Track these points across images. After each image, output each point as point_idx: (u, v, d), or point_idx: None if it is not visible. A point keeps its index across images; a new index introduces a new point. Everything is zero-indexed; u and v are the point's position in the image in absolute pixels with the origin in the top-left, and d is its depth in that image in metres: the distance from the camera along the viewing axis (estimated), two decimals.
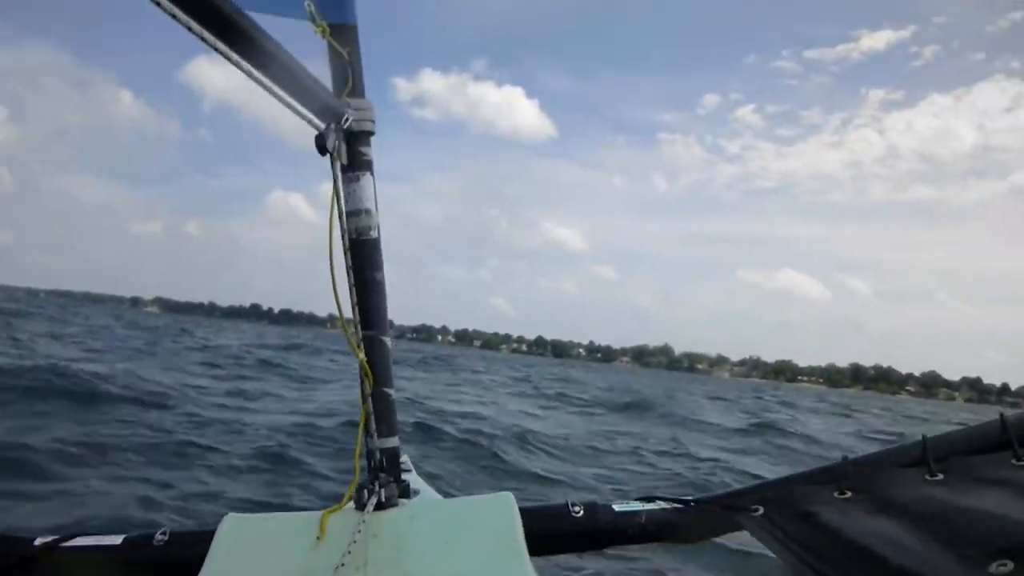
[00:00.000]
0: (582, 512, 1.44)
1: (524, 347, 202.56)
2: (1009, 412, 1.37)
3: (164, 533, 1.44)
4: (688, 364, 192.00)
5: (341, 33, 1.45)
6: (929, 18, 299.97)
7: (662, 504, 1.48)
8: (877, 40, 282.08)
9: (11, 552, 1.44)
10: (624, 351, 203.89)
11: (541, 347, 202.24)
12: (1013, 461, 1.29)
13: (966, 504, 1.17)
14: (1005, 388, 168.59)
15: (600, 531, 1.45)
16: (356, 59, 1.48)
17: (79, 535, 1.48)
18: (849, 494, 1.33)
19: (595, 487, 7.69)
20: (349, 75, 1.45)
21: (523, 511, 1.37)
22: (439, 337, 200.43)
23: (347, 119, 1.36)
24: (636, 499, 1.50)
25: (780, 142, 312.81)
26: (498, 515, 1.36)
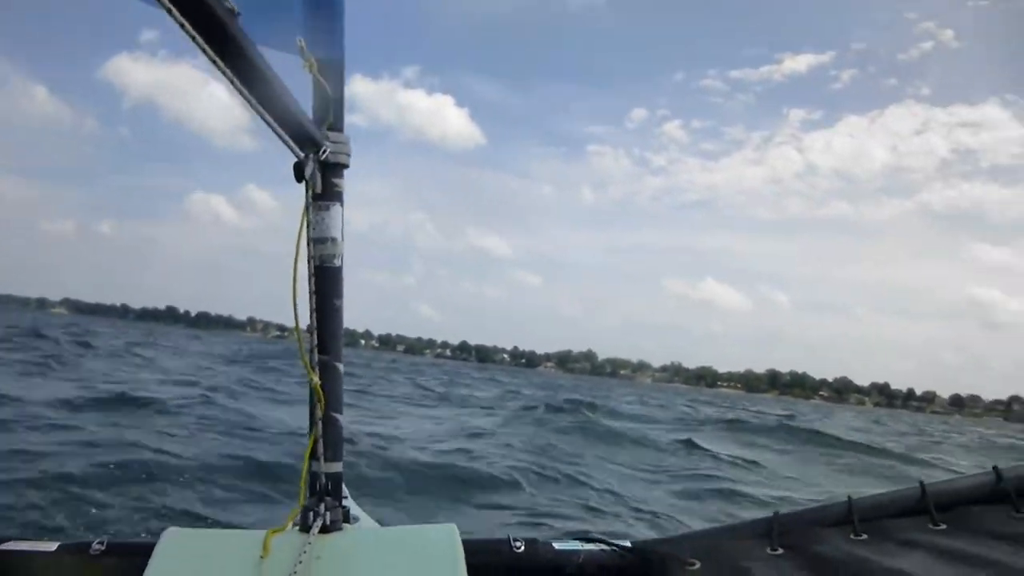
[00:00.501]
0: (523, 547, 1.48)
1: (448, 352, 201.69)
2: (928, 480, 1.48)
3: (101, 542, 1.44)
4: (611, 369, 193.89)
5: (328, 68, 1.49)
6: (848, 44, 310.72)
7: (601, 546, 1.51)
8: (799, 63, 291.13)
9: None
10: (548, 356, 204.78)
11: (465, 352, 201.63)
12: (930, 526, 1.40)
13: (889, 565, 1.30)
14: (911, 393, 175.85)
15: (539, 568, 1.48)
16: (340, 94, 1.52)
17: (11, 539, 1.46)
18: (780, 550, 1.42)
19: None
20: (331, 109, 1.50)
21: (465, 543, 1.37)
22: (362, 342, 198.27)
23: (325, 150, 1.42)
24: (575, 538, 1.53)
25: (705, 156, 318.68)
26: (441, 546, 1.37)
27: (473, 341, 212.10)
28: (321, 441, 1.43)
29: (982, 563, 1.25)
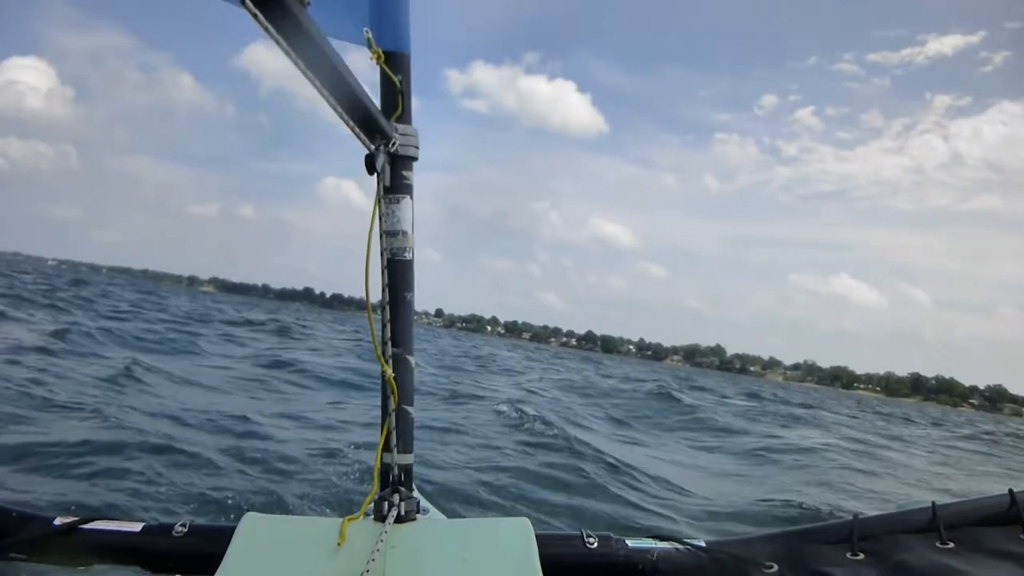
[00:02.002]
0: (596, 543, 1.45)
1: (573, 341, 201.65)
2: (1018, 488, 1.42)
3: (184, 525, 1.44)
4: (740, 365, 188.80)
5: (394, 61, 1.50)
6: (1001, 23, 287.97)
7: (675, 544, 1.48)
8: (945, 45, 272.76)
9: (30, 530, 1.44)
10: (675, 350, 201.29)
11: (591, 342, 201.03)
12: (1022, 536, 1.34)
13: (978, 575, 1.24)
14: None
15: (613, 564, 1.44)
16: (407, 87, 1.52)
17: (98, 519, 1.48)
18: (861, 556, 1.37)
19: None
20: (399, 102, 1.50)
21: (538, 537, 1.37)
22: (488, 328, 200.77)
23: (394, 143, 1.41)
24: (649, 536, 1.50)
25: (839, 145, 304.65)
26: (515, 539, 1.37)
27: (598, 331, 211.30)
28: (394, 433, 1.43)
29: None
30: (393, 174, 1.47)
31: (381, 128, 1.34)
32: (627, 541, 1.48)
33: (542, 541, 1.37)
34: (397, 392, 1.45)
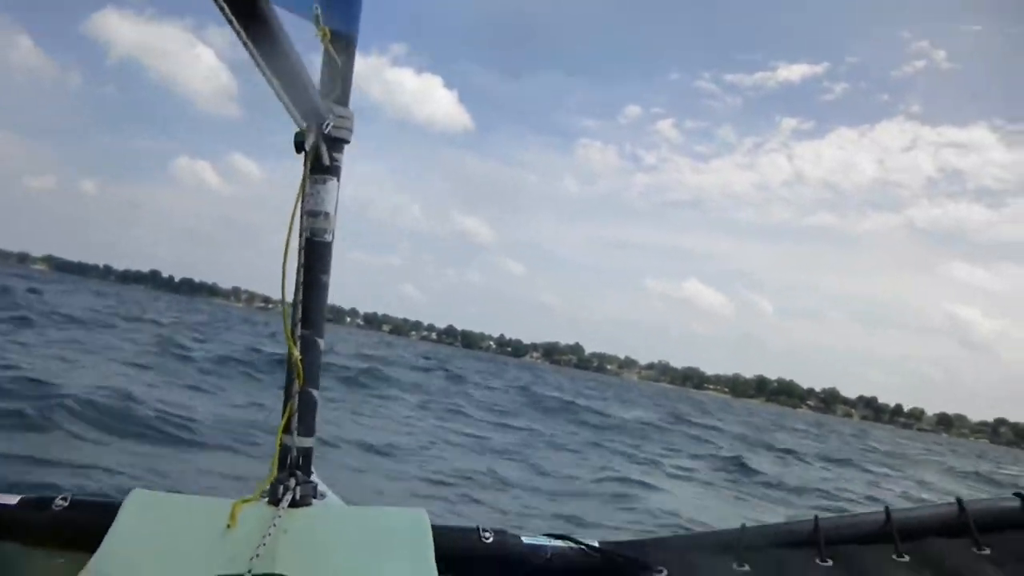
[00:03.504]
0: (492, 538, 1.45)
1: (434, 335, 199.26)
2: (895, 507, 1.46)
3: (64, 498, 1.39)
4: (598, 364, 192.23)
5: (340, 40, 1.47)
6: (843, 57, 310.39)
7: (569, 543, 1.49)
8: (793, 72, 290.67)
9: None
10: (535, 347, 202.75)
11: (451, 336, 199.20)
12: (894, 556, 1.38)
13: None
14: (898, 408, 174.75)
15: (507, 560, 1.45)
16: (349, 69, 1.50)
17: None
18: (747, 567, 1.40)
19: None
20: (339, 82, 1.48)
21: (434, 528, 1.35)
22: (348, 319, 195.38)
23: (328, 124, 1.38)
24: (544, 534, 1.50)
25: (696, 157, 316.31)
26: (411, 529, 1.34)
27: (459, 326, 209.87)
28: (296, 415, 1.39)
29: None
30: (322, 155, 1.43)
31: (316, 108, 1.32)
32: (522, 537, 1.48)
33: (438, 533, 1.34)
34: (303, 374, 1.39)
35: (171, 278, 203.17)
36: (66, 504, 1.37)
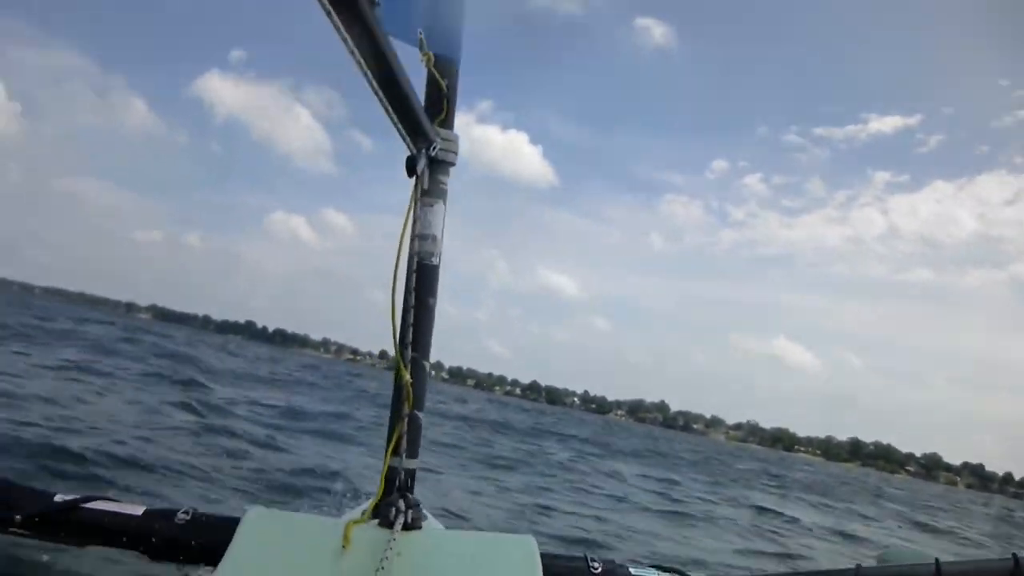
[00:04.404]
0: (600, 568, 1.44)
1: (518, 390, 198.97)
2: (1021, 553, 1.38)
3: (187, 512, 1.44)
4: (684, 423, 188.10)
5: (443, 65, 1.50)
6: (938, 108, 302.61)
7: None
8: (885, 124, 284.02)
9: (30, 506, 1.43)
10: (619, 404, 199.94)
11: (535, 392, 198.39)
12: None
13: None
14: (1008, 477, 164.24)
15: None
16: (453, 92, 1.52)
17: (99, 498, 1.46)
18: None
19: None
20: (444, 106, 1.50)
21: (542, 556, 1.34)
22: (433, 373, 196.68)
23: (435, 147, 1.41)
24: (652, 565, 1.49)
25: (785, 212, 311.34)
26: (519, 556, 1.33)
27: (543, 381, 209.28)
28: (404, 437, 1.42)
29: None
30: (430, 178, 1.46)
31: (425, 131, 1.35)
32: (630, 568, 1.46)
33: (546, 561, 1.33)
34: (412, 396, 1.42)
35: (264, 328, 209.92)
36: (188, 517, 1.43)
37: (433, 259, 1.49)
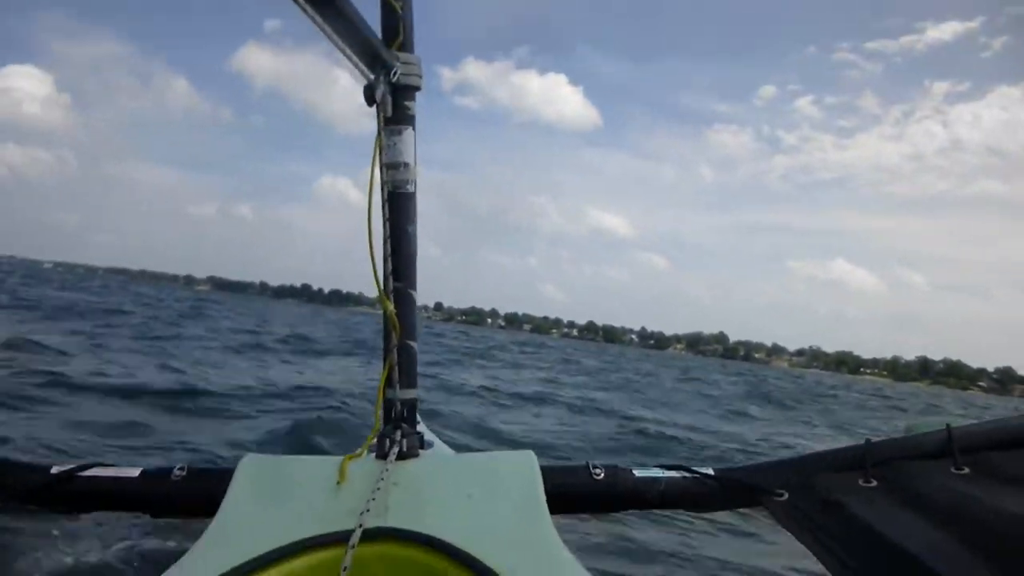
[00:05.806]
0: (603, 475, 1.45)
1: (575, 332, 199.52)
2: None
3: (182, 468, 1.45)
4: (744, 353, 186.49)
5: None
6: (1002, 8, 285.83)
7: (683, 472, 1.47)
8: (943, 31, 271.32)
9: (27, 479, 1.44)
10: (678, 338, 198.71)
11: (592, 332, 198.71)
12: None
13: (994, 504, 1.17)
14: None
15: (619, 494, 1.45)
16: (408, 13, 1.46)
17: (96, 465, 1.48)
18: (874, 483, 1.34)
19: None
20: (400, 28, 1.44)
21: (544, 469, 1.34)
22: (489, 320, 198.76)
23: (396, 72, 1.37)
24: (657, 466, 1.49)
25: (839, 134, 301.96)
26: (520, 472, 1.34)
27: (599, 321, 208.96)
28: (396, 368, 1.41)
29: None
30: (395, 105, 1.41)
31: (381, 57, 1.32)
32: (634, 471, 1.46)
33: (547, 473, 1.32)
34: (399, 327, 1.41)
35: (320, 290, 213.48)
36: (184, 474, 1.44)
37: (408, 187, 1.44)
